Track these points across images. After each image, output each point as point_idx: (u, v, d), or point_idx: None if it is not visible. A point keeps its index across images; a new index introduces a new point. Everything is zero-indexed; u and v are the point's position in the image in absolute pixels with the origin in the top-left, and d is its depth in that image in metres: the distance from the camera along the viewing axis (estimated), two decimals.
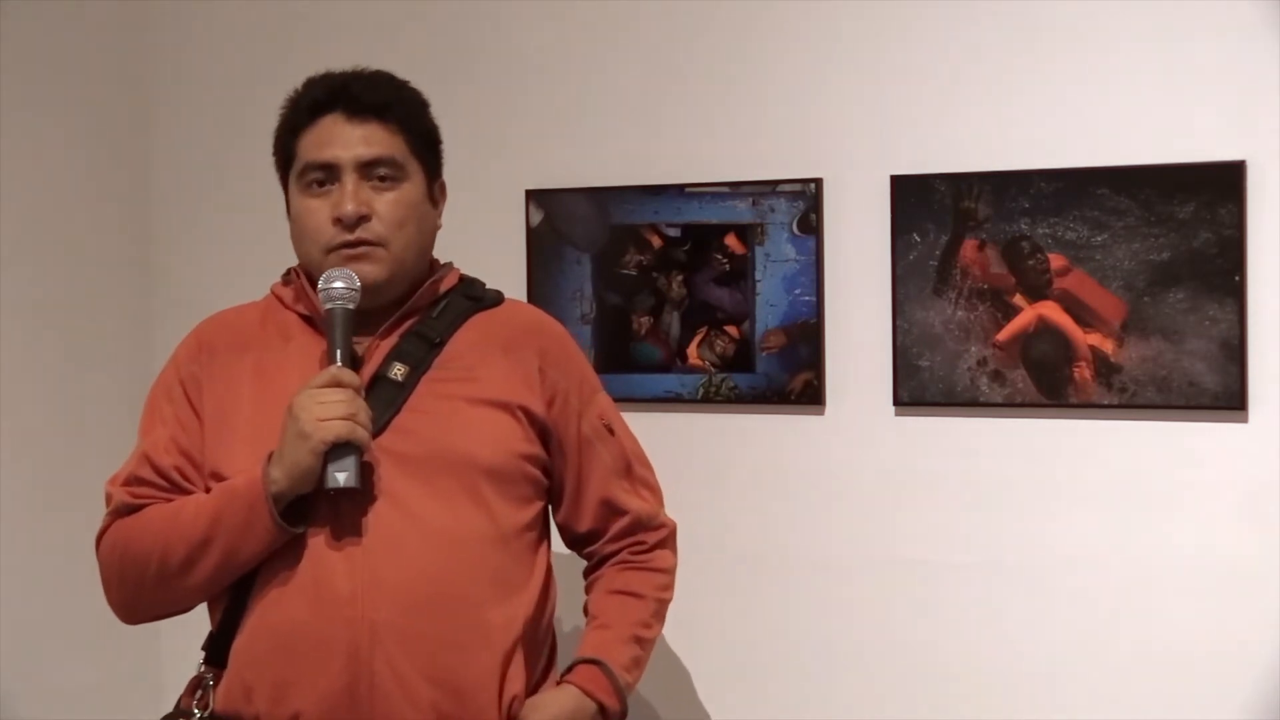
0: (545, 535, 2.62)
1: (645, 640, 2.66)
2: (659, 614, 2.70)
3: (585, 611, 2.69)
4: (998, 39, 3.01)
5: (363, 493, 2.43)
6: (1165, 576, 2.92)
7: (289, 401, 2.43)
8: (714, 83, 3.22)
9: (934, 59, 3.06)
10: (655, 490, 2.77)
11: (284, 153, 2.59)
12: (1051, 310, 2.96)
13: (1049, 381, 2.97)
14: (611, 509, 2.67)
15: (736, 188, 3.17)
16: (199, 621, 2.59)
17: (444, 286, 2.61)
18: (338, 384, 2.42)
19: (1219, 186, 2.84)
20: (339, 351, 2.45)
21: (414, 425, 2.49)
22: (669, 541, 2.75)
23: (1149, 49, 2.91)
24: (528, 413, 2.56)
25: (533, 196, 3.33)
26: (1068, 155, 2.95)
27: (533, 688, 2.54)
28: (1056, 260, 2.95)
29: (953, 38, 3.04)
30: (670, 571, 2.73)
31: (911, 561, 3.09)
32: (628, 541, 2.69)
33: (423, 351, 2.53)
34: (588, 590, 2.71)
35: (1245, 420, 2.85)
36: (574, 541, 2.72)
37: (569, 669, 2.59)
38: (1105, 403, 2.93)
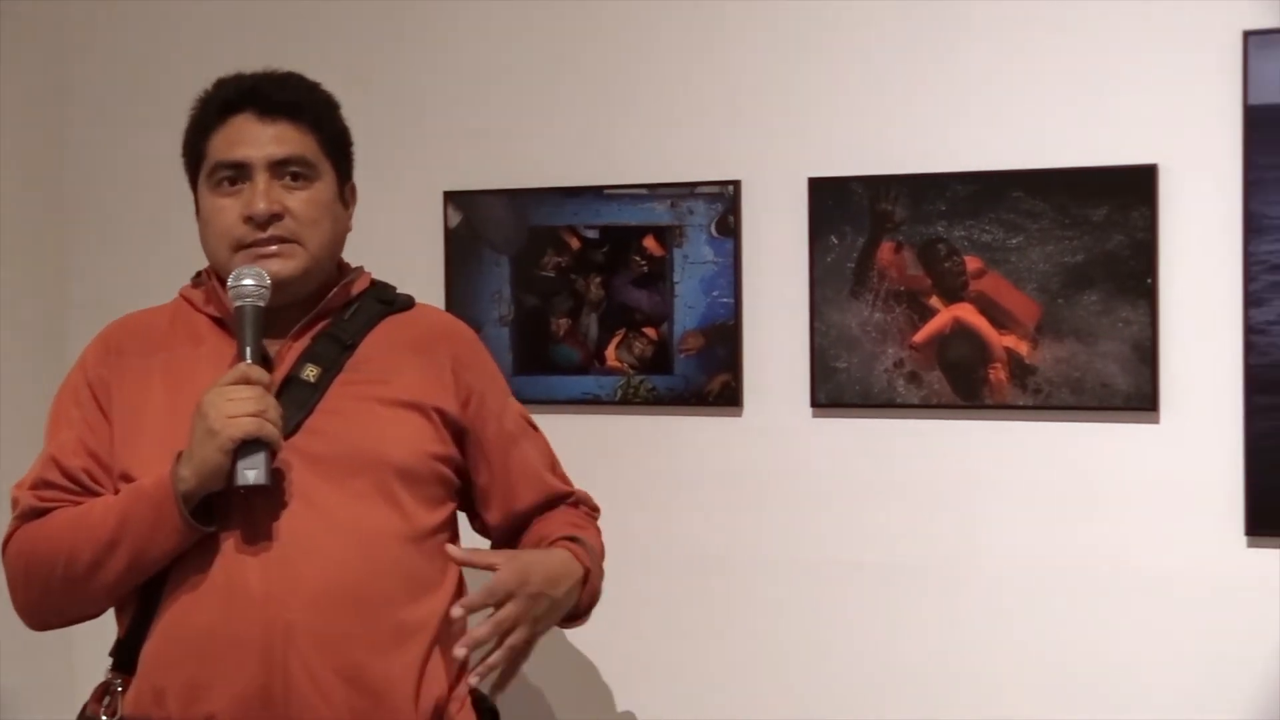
0: (457, 537, 2.63)
1: (600, 566, 2.69)
2: (600, 564, 2.72)
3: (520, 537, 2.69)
4: (914, 43, 3.05)
5: (275, 493, 2.43)
6: (1079, 575, 2.96)
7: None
8: (632, 84, 3.25)
9: (851, 62, 3.09)
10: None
11: (194, 153, 2.59)
12: (967, 312, 3.00)
13: (965, 383, 3.01)
14: (553, 497, 2.72)
15: (655, 190, 3.20)
16: (113, 629, 2.58)
17: (355, 289, 2.62)
18: (247, 381, 2.41)
19: (1132, 190, 2.88)
20: (249, 349, 2.45)
21: (326, 426, 2.49)
22: (596, 521, 2.79)
23: (1063, 53, 2.95)
24: (441, 414, 2.57)
25: (451, 198, 3.34)
26: (983, 158, 2.99)
27: (451, 688, 2.53)
28: (972, 262, 2.99)
29: (870, 41, 3.08)
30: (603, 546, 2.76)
31: (830, 562, 3.12)
32: (570, 506, 2.74)
33: (335, 353, 2.54)
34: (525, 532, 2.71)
35: (1157, 421, 2.91)
36: (514, 534, 2.72)
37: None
38: (1020, 404, 2.97)
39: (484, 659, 2.48)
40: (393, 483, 2.50)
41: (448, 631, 2.54)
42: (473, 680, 2.48)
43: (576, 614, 2.64)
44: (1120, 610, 2.95)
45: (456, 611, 2.45)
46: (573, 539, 2.62)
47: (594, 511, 2.79)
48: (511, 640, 2.49)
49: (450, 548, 2.50)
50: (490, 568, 2.50)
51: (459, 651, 2.46)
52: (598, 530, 2.75)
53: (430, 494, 2.56)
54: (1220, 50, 2.84)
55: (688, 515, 3.23)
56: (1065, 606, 2.98)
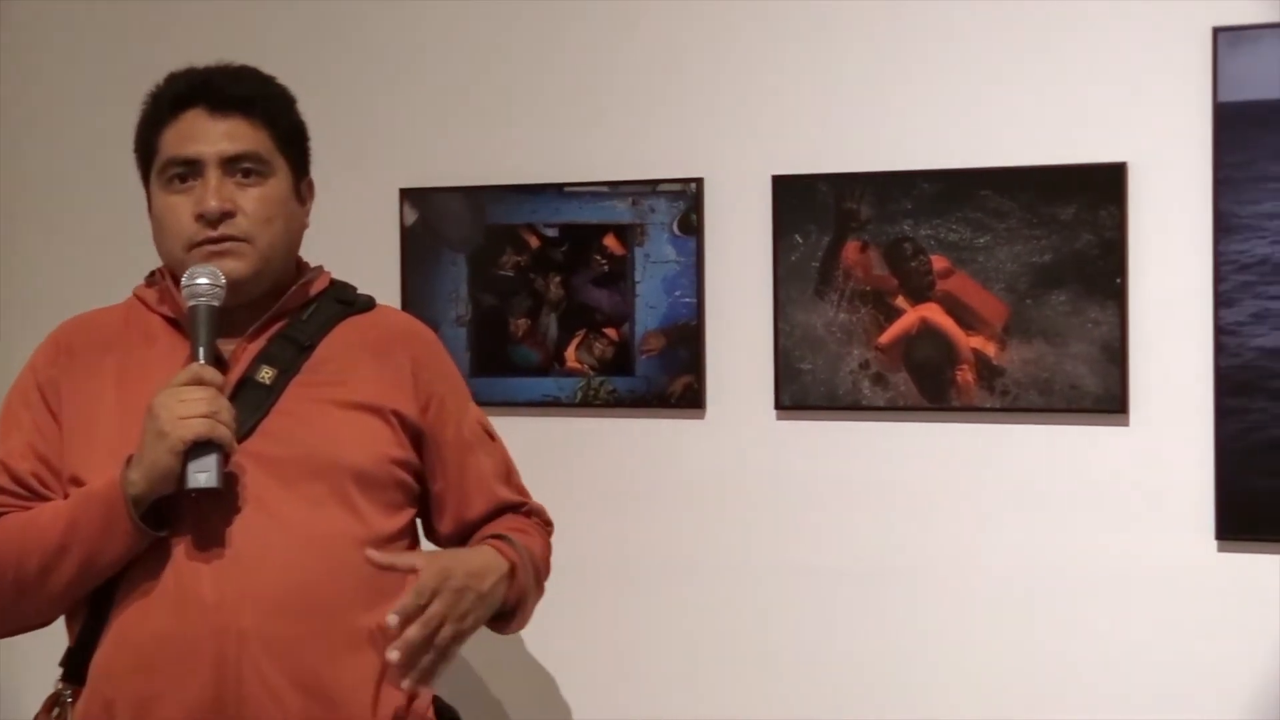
0: (417, 544, 2.62)
1: (541, 585, 2.67)
2: (546, 571, 2.70)
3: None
4: (880, 39, 3.04)
5: (229, 497, 2.41)
6: (1047, 579, 2.97)
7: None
8: (593, 80, 3.24)
9: (815, 58, 3.09)
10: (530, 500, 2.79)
11: (145, 149, 2.57)
12: (934, 312, 3.00)
13: (931, 385, 3.01)
14: (500, 506, 2.69)
15: (616, 187, 3.19)
16: (61, 638, 2.56)
17: (314, 289, 2.61)
18: (199, 381, 2.39)
19: (1100, 188, 2.89)
20: (202, 350, 2.43)
21: (282, 428, 2.48)
22: (549, 536, 2.77)
23: (1031, 50, 2.95)
24: (400, 417, 2.56)
25: (407, 196, 3.33)
26: (950, 156, 2.99)
27: (411, 697, 2.51)
28: (939, 262, 2.99)
29: (834, 38, 3.07)
30: (549, 560, 2.74)
31: (794, 567, 3.12)
32: (523, 515, 2.72)
33: (291, 355, 2.53)
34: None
35: (1126, 423, 2.91)
36: (460, 543, 2.68)
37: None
38: (988, 406, 2.97)
39: (411, 657, 2.43)
40: (350, 487, 2.49)
41: None
42: (405, 684, 2.44)
43: (504, 613, 2.59)
44: (1089, 615, 2.95)
45: (391, 619, 2.41)
46: (499, 537, 2.60)
47: (545, 525, 2.77)
48: (438, 639, 2.45)
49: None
50: (411, 569, 2.47)
51: (391, 655, 2.41)
52: (544, 541, 2.72)
53: (388, 499, 2.54)
54: (1190, 47, 2.85)
55: (649, 520, 3.22)
56: (1033, 611, 2.98)
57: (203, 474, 2.38)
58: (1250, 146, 2.81)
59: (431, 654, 2.45)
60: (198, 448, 2.37)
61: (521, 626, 2.67)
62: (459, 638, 2.49)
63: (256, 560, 2.42)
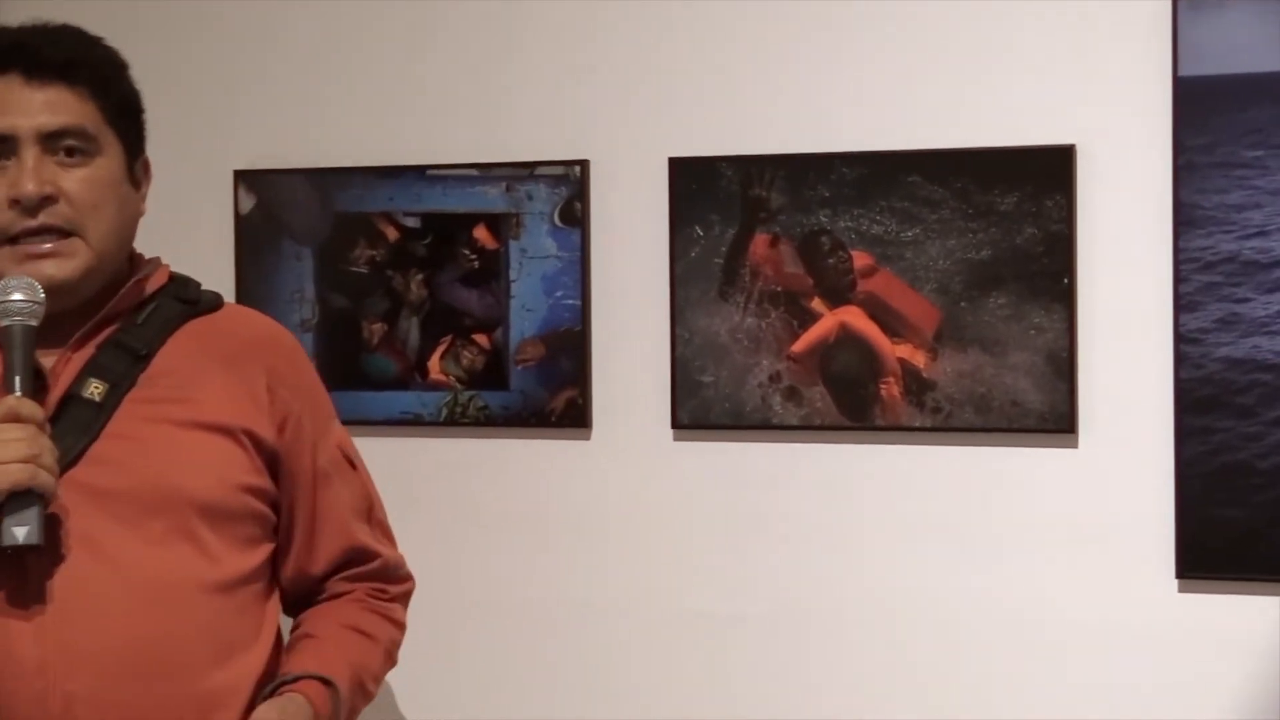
0: (275, 583, 2.55)
1: (369, 695, 2.61)
2: (382, 673, 2.64)
3: (294, 629, 2.60)
4: (793, 5, 3.03)
5: (53, 539, 2.31)
6: (985, 623, 2.96)
7: None
8: (460, 47, 3.22)
9: (719, 26, 3.07)
10: (393, 540, 2.72)
11: None
12: (855, 317, 2.99)
13: (852, 400, 3.00)
14: (356, 554, 2.62)
15: (487, 170, 3.18)
16: None
17: (151, 287, 2.50)
18: (16, 418, 2.28)
19: (1046, 174, 2.89)
20: (19, 379, 2.33)
21: (115, 454, 2.38)
22: (406, 600, 2.71)
23: (967, 17, 2.95)
24: (254, 438, 2.47)
25: (243, 178, 3.32)
26: (874, 137, 2.98)
27: None
28: (861, 258, 2.98)
29: (741, 3, 3.06)
30: (403, 631, 2.69)
31: (693, 610, 3.11)
32: (370, 586, 2.64)
33: (125, 365, 2.42)
34: (301, 614, 2.62)
35: (1075, 444, 2.92)
36: (304, 594, 2.62)
37: (287, 681, 2.48)
38: (916, 425, 2.97)
39: None
40: (195, 521, 2.40)
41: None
42: None
43: None
44: (1031, 664, 2.95)
45: None
46: (326, 681, 2.50)
47: (404, 586, 2.69)
48: None
49: None
50: None
51: None
52: (395, 625, 2.65)
53: (242, 534, 2.46)
54: (1147, 14, 2.85)
55: (526, 556, 3.21)
56: (970, 659, 2.98)
57: (21, 529, 2.27)
58: (1215, 127, 2.83)
59: None
60: (15, 498, 2.27)
61: None
62: None
63: (87, 613, 2.32)
